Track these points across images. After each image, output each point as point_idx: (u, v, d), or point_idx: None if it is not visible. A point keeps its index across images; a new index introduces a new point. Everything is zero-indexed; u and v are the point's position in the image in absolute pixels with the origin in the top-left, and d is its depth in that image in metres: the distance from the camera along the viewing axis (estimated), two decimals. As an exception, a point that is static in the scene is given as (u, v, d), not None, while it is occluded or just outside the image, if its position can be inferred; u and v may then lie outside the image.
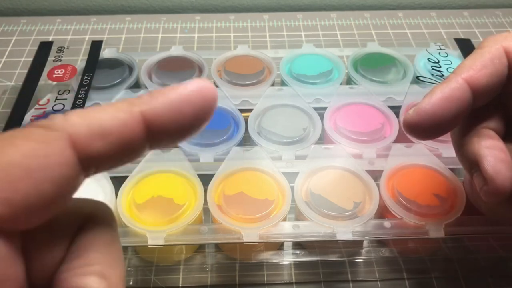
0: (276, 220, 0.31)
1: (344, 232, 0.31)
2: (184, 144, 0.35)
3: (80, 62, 0.43)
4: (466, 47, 0.44)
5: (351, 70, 0.42)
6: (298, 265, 0.34)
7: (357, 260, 0.34)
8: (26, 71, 0.41)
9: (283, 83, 0.42)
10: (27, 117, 0.37)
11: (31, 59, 0.43)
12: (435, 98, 0.24)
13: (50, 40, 0.53)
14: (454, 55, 0.44)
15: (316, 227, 0.31)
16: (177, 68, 0.42)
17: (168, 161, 0.34)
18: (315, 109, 0.39)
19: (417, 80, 0.42)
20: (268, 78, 0.41)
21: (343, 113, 0.38)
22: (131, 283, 0.33)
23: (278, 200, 0.32)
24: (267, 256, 0.34)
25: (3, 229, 0.15)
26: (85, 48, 0.46)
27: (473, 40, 0.45)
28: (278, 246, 0.35)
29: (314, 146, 0.36)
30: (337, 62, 0.43)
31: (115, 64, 0.42)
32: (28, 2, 0.60)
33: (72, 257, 0.16)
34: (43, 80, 0.41)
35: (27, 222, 0.15)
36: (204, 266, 0.34)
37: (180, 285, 0.33)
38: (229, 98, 0.39)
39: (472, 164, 0.25)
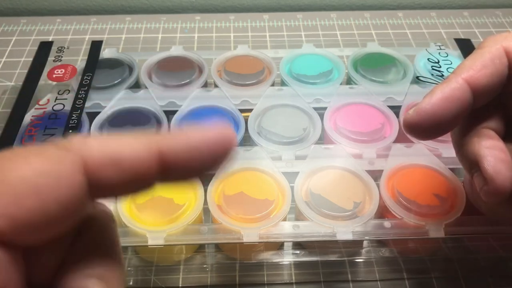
0: (276, 220, 0.31)
1: (344, 232, 0.31)
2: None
3: (80, 62, 0.43)
4: (466, 47, 0.44)
5: (351, 70, 0.42)
6: (298, 265, 0.34)
7: (357, 260, 0.34)
8: (26, 71, 0.41)
9: (283, 83, 0.42)
10: (27, 117, 0.37)
11: (31, 59, 0.43)
12: (435, 98, 0.24)
13: (50, 40, 0.53)
14: (454, 55, 0.44)
15: (316, 227, 0.31)
16: (177, 68, 0.42)
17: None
18: (315, 109, 0.39)
19: (417, 80, 0.42)
20: (268, 78, 0.41)
21: (343, 113, 0.38)
22: (131, 283, 0.33)
23: (278, 200, 0.32)
24: (267, 256, 0.34)
25: (5, 241, 0.14)
26: (85, 48, 0.46)
27: (473, 40, 0.45)
28: (278, 246, 0.35)
29: (314, 146, 0.36)
30: (337, 62, 0.43)
31: (115, 64, 0.42)
32: (28, 2, 0.60)
33: (72, 259, 0.16)
34: (43, 80, 0.41)
35: (29, 239, 0.15)
36: (204, 266, 0.34)
37: (180, 285, 0.33)
38: (229, 98, 0.39)
39: (472, 164, 0.25)
